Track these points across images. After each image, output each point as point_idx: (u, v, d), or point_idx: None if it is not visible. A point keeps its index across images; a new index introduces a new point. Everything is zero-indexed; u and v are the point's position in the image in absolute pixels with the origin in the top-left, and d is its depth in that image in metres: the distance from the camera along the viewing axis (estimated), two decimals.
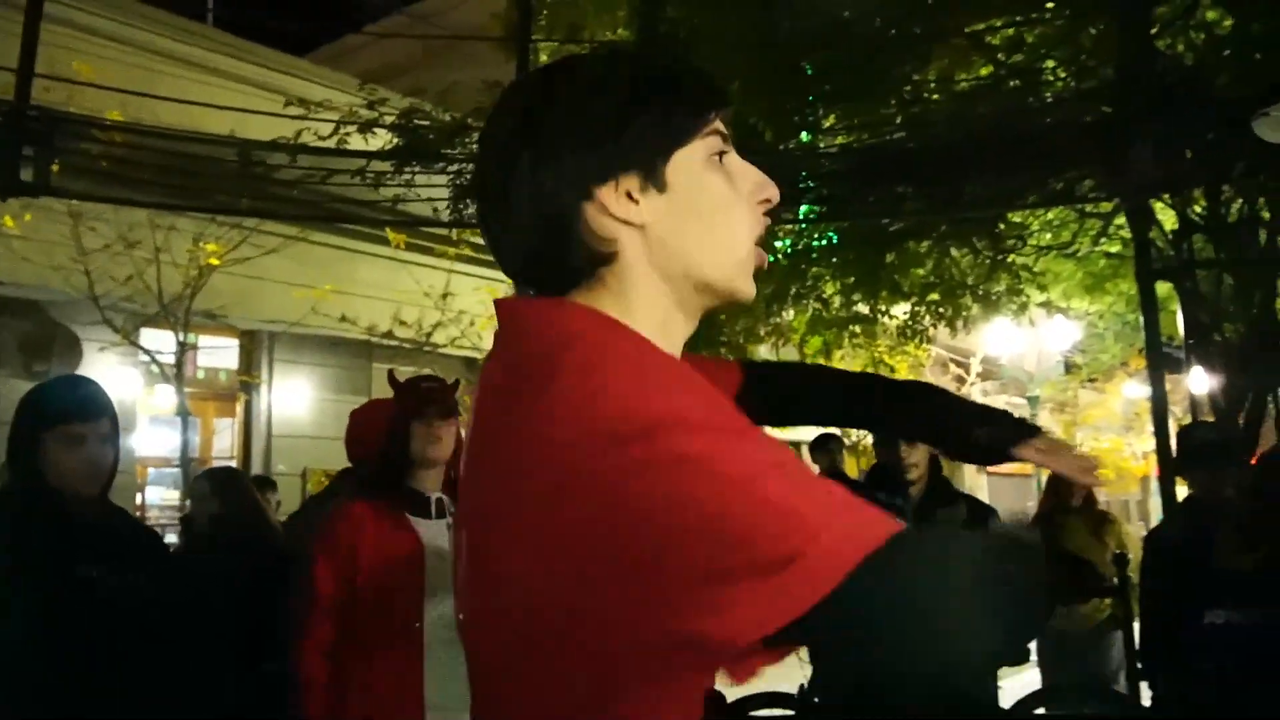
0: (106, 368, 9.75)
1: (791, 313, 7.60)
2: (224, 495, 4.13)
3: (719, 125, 0.96)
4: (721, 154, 0.96)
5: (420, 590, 2.75)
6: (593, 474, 0.78)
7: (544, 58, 6.83)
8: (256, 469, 11.05)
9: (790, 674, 4.41)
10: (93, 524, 2.34)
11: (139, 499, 10.78)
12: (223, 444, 11.78)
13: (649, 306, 0.94)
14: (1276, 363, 4.92)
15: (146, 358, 9.34)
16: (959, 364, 17.09)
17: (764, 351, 9.65)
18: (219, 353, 11.53)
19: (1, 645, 2.03)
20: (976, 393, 18.16)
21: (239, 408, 11.66)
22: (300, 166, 4.93)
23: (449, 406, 2.91)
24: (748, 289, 0.99)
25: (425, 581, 2.76)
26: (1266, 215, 5.14)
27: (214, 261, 8.71)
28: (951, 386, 17.53)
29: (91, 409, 2.35)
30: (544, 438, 0.81)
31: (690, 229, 0.94)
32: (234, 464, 11.38)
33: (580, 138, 0.92)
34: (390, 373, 3.15)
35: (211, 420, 11.72)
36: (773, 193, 0.98)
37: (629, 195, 0.92)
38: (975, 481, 20.77)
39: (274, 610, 3.08)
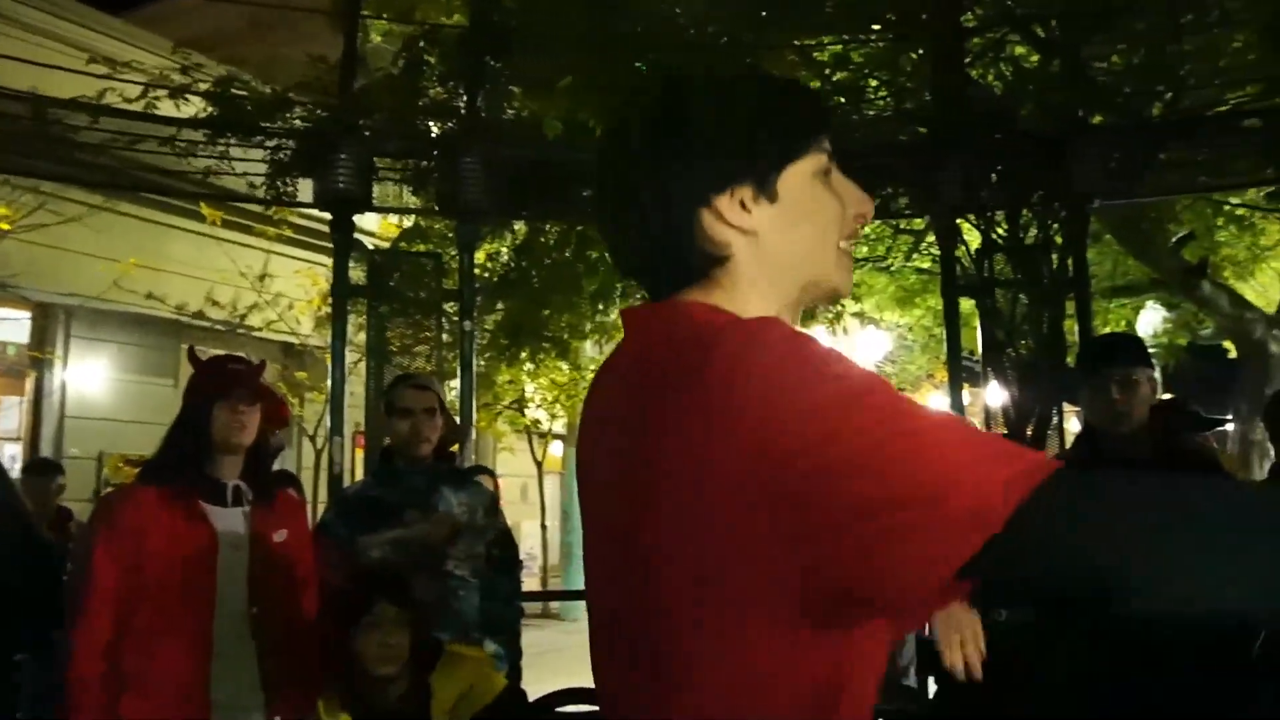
0: None
1: (615, 312, 7.65)
2: None
3: (826, 145, 1.06)
4: (827, 171, 1.06)
5: (212, 582, 2.62)
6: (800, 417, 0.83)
7: (376, 37, 6.64)
8: (46, 450, 10.36)
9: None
10: None
11: None
12: (9, 423, 10.98)
13: (759, 303, 1.03)
14: (1062, 379, 5.27)
15: None
16: None
17: (589, 348, 9.69)
18: (8, 325, 10.74)
19: None
20: None
21: (29, 385, 10.89)
22: (103, 129, 4.61)
23: (256, 390, 2.79)
24: (846, 285, 1.09)
25: (218, 572, 2.64)
26: (1059, 240, 5.49)
27: (4, 226, 8.10)
28: None
29: None
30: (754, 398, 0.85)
31: (796, 235, 1.04)
32: (20, 445, 10.64)
33: (703, 151, 1.02)
34: (190, 349, 2.99)
35: None
36: (869, 208, 1.09)
37: (742, 204, 1.02)
38: None
39: (21, 601, 2.85)
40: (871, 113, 6.03)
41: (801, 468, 0.81)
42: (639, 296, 7.70)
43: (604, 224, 1.09)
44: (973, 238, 5.91)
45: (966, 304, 5.99)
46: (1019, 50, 6.14)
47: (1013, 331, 5.65)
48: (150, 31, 10.99)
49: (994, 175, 5.50)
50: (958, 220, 5.67)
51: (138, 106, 4.83)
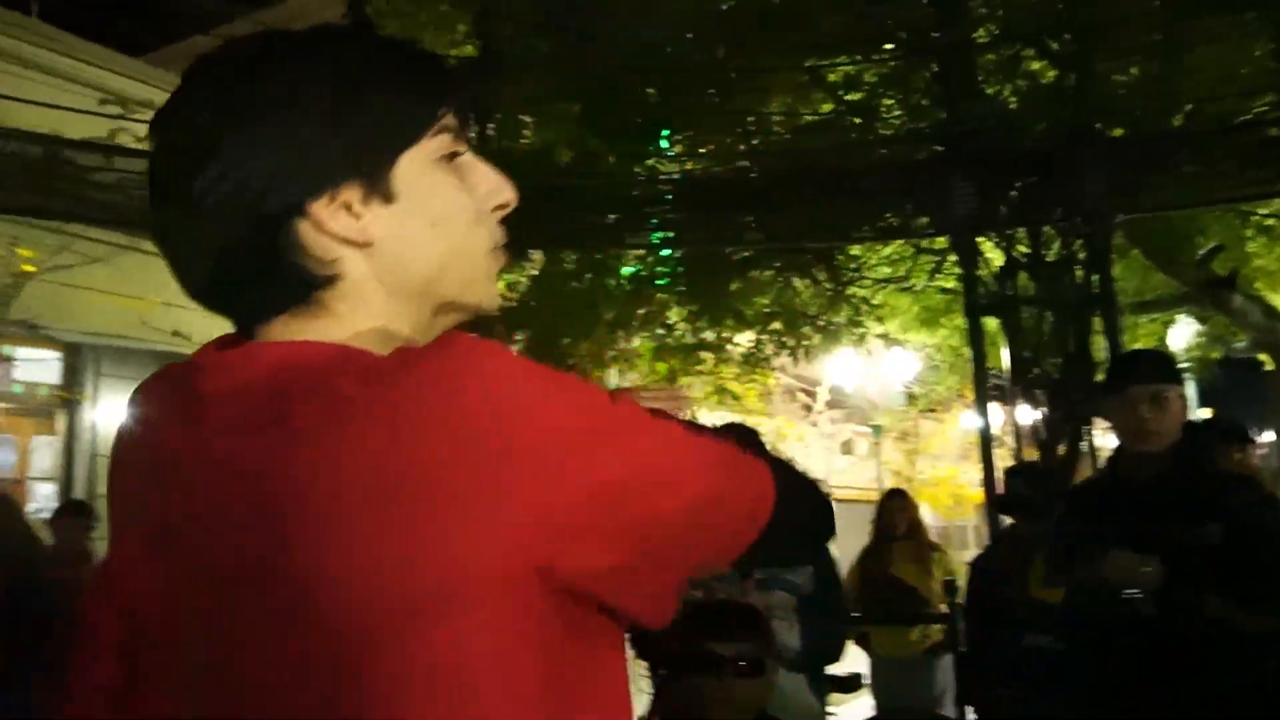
0: None
1: (637, 339, 7.61)
2: None
3: (450, 120, 0.83)
4: (453, 154, 0.84)
5: None
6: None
7: None
8: (79, 491, 10.41)
9: None
10: None
11: None
12: (42, 463, 11.05)
13: (382, 330, 0.80)
14: (1089, 396, 5.16)
15: None
16: (807, 393, 17.50)
17: (612, 376, 9.65)
18: (38, 367, 10.84)
19: None
20: (824, 421, 18.62)
21: (60, 425, 10.98)
22: (117, 169, 4.64)
23: None
24: (491, 299, 0.87)
25: None
26: (1082, 255, 5.40)
27: (29, 269, 8.18)
28: (798, 415, 17.93)
29: None
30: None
31: (423, 242, 0.81)
32: (53, 485, 10.72)
33: (290, 142, 0.76)
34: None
35: (29, 438, 11.00)
36: (510, 196, 0.87)
37: (348, 208, 0.78)
38: None
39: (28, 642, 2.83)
40: (887, 132, 5.97)
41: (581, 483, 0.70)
42: (659, 326, 7.69)
43: (159, 227, 0.82)
44: (996, 256, 5.83)
45: (993, 323, 5.90)
46: (1034, 65, 6.07)
47: (1039, 350, 5.55)
48: (165, 70, 11.14)
49: (1012, 192, 5.43)
50: (980, 239, 5.58)
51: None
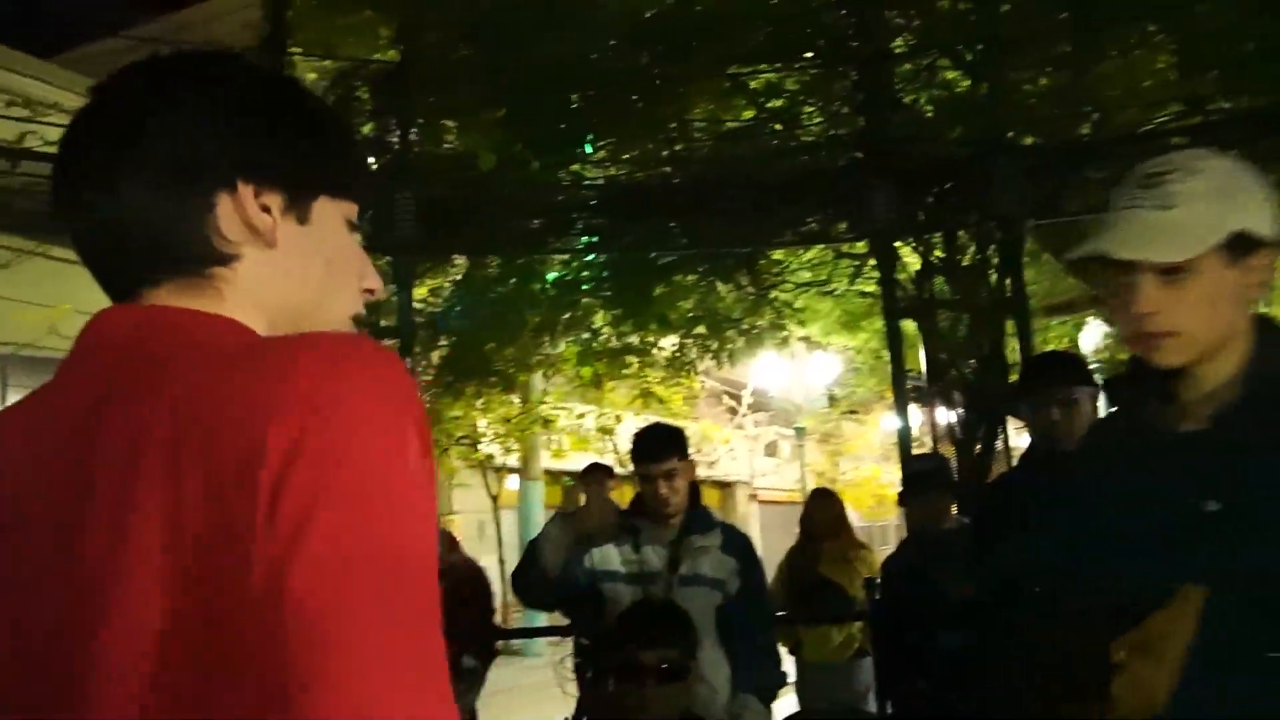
0: None
1: (562, 344, 7.62)
2: None
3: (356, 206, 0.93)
4: (355, 228, 0.92)
5: None
6: None
7: (311, 74, 6.57)
8: None
9: None
10: None
11: None
12: None
13: (251, 322, 0.84)
14: (1006, 397, 5.30)
15: None
16: (732, 395, 17.64)
17: (537, 380, 9.63)
18: None
19: None
20: (749, 424, 18.77)
21: None
22: (23, 174, 4.50)
23: None
24: None
25: None
26: (996, 260, 5.55)
27: None
28: (724, 418, 18.09)
29: None
30: None
31: (319, 274, 0.87)
32: None
33: (246, 126, 0.83)
34: None
35: None
36: (377, 285, 0.94)
37: (267, 209, 0.84)
38: (747, 510, 21.47)
39: None
40: (807, 139, 6.07)
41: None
42: (584, 331, 7.70)
43: (79, 185, 0.83)
44: (913, 260, 5.95)
45: (911, 326, 6.02)
46: (949, 75, 6.23)
47: (954, 352, 5.69)
48: (83, 74, 10.80)
49: (929, 198, 5.56)
50: (898, 244, 5.71)
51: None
